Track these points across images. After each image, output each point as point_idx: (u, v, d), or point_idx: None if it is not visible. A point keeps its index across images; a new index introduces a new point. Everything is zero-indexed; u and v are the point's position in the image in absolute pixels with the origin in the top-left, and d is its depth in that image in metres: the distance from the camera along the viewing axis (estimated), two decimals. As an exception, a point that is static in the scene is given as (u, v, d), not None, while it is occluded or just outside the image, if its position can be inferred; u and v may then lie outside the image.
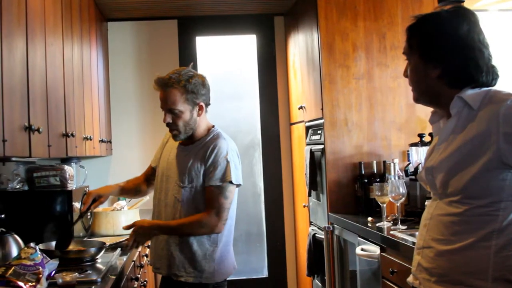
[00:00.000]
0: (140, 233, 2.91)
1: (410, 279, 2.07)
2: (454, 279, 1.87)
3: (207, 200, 2.90)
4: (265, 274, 5.76)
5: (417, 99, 2.07)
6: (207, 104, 3.04)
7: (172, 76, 2.92)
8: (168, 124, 2.97)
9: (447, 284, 1.88)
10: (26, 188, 3.69)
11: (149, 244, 3.17)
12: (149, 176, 3.27)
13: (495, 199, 1.83)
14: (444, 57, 1.93)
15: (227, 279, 3.05)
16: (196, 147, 3.00)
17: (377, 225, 3.56)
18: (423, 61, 1.98)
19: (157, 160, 3.20)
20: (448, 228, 1.90)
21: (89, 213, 3.78)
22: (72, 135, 3.41)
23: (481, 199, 1.84)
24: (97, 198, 3.05)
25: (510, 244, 1.81)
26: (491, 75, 1.93)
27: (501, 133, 1.78)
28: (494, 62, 1.96)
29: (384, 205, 3.56)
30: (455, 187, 1.88)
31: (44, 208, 3.47)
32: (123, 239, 3.42)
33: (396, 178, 3.72)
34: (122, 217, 4.13)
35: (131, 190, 3.29)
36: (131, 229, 2.94)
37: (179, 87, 2.90)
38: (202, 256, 2.93)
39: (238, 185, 2.97)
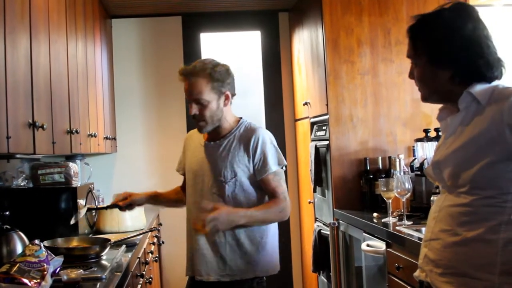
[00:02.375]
0: (224, 219, 2.68)
1: (416, 273, 2.07)
2: (460, 271, 1.86)
3: (270, 188, 2.84)
4: (270, 270, 5.74)
5: (426, 99, 2.07)
6: (233, 95, 2.97)
7: (197, 66, 2.86)
8: (194, 116, 2.86)
9: (453, 276, 1.88)
10: (30, 185, 3.69)
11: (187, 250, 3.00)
12: (184, 185, 3.16)
13: (503, 191, 1.83)
14: (454, 59, 1.93)
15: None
16: (230, 140, 2.90)
17: (382, 220, 3.55)
18: (432, 65, 1.97)
19: (183, 166, 3.11)
20: (456, 219, 1.90)
21: (93, 211, 3.78)
22: (76, 132, 3.40)
23: (489, 190, 1.84)
24: (127, 197, 3.12)
25: None
26: (499, 69, 1.94)
27: (506, 125, 1.79)
28: (500, 54, 1.96)
29: (390, 201, 3.55)
30: (463, 179, 1.88)
31: (48, 205, 3.47)
32: (129, 236, 3.42)
33: (402, 173, 3.70)
34: (127, 214, 4.10)
35: (172, 198, 3.23)
36: (209, 213, 2.69)
37: (205, 75, 2.83)
38: (255, 249, 2.84)
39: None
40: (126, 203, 3.12)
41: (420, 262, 2.05)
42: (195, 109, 2.84)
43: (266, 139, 2.88)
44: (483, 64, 1.91)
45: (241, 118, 3.03)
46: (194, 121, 2.90)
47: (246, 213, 2.77)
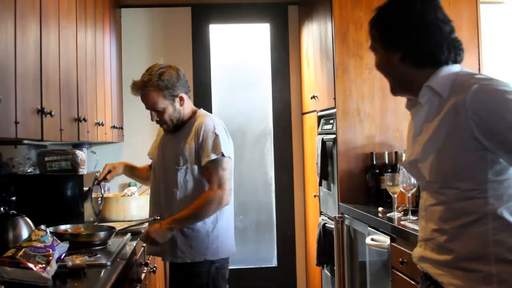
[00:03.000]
0: (157, 232, 3.00)
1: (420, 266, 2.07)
2: (457, 266, 1.86)
3: (207, 177, 3.01)
4: (274, 263, 5.75)
5: (392, 90, 2.08)
6: (187, 92, 3.16)
7: (144, 79, 3.05)
8: (157, 121, 3.13)
9: (451, 271, 1.88)
10: (37, 172, 3.70)
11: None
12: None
13: (480, 181, 1.82)
14: (401, 39, 1.94)
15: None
16: (184, 130, 3.12)
17: (387, 215, 3.55)
18: (385, 49, 1.99)
19: (153, 152, 3.33)
20: (441, 218, 1.90)
21: (99, 198, 3.79)
22: (84, 119, 3.41)
23: (466, 182, 1.83)
24: (111, 169, 3.31)
25: (509, 225, 1.81)
26: (454, 50, 1.93)
27: (471, 119, 1.78)
28: (456, 35, 1.95)
29: (395, 196, 3.55)
30: (440, 174, 1.88)
31: (55, 191, 3.48)
32: (133, 224, 3.43)
33: (408, 169, 3.69)
34: (132, 203, 4.14)
35: (144, 175, 3.44)
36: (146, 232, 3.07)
37: (153, 87, 3.02)
38: (205, 233, 3.02)
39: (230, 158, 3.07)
40: (112, 175, 3.34)
41: (415, 260, 2.05)
42: (155, 117, 3.11)
43: (209, 126, 3.04)
44: (432, 44, 1.91)
45: (198, 109, 3.23)
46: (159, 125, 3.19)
47: (175, 220, 3.00)
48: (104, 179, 3.32)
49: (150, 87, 3.02)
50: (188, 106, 3.16)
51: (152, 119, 3.13)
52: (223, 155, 2.99)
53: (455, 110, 1.82)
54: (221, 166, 2.99)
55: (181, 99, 3.09)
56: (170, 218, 3.01)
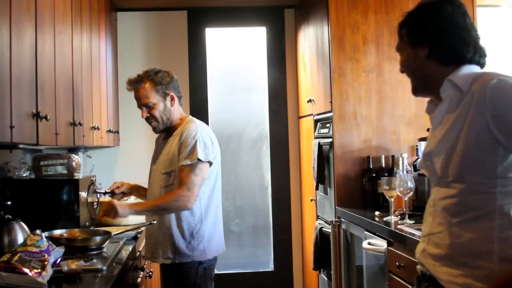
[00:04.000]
0: (120, 206, 3.10)
1: (418, 266, 2.07)
2: (460, 262, 1.87)
3: (180, 178, 3.09)
4: (271, 267, 5.74)
5: (415, 89, 2.12)
6: (179, 97, 3.31)
7: (140, 74, 3.24)
8: (147, 119, 3.25)
9: (453, 266, 1.88)
10: (33, 176, 3.69)
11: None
12: None
13: (489, 176, 1.84)
14: (431, 35, 2.01)
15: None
16: (173, 136, 3.23)
17: (384, 219, 3.54)
18: (413, 46, 2.05)
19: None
20: (450, 211, 1.92)
21: (95, 203, 3.77)
22: (79, 124, 3.40)
23: (477, 176, 1.85)
24: (119, 185, 3.38)
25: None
26: (479, 53, 2.00)
27: (489, 114, 1.80)
28: (482, 43, 2.03)
29: (392, 200, 3.54)
30: (452, 167, 1.90)
31: (50, 196, 3.47)
32: (129, 229, 3.42)
33: (405, 172, 3.70)
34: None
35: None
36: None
37: (148, 81, 3.20)
38: (190, 234, 3.11)
39: (210, 163, 3.15)
40: (120, 191, 3.37)
41: (417, 256, 2.06)
42: (145, 113, 3.23)
43: (190, 132, 3.15)
44: (460, 42, 1.98)
45: (187, 116, 3.34)
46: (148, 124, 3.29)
47: (139, 204, 3.26)
48: (112, 192, 3.37)
49: (146, 79, 3.20)
50: (178, 111, 3.29)
51: (142, 116, 3.24)
52: (199, 160, 3.07)
53: (473, 101, 1.85)
54: (193, 171, 3.07)
55: (172, 98, 3.24)
56: (137, 202, 3.31)
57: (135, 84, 3.23)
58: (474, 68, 1.98)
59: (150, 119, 3.24)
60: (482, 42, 2.03)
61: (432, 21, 2.01)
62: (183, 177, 3.07)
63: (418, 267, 2.07)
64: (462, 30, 1.98)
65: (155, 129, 3.30)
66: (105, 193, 3.40)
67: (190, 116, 3.34)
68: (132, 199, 3.83)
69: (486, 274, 1.81)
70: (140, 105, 3.23)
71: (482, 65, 2.01)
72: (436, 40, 2.00)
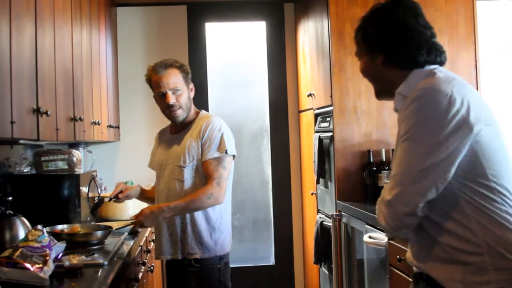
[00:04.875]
0: (147, 215, 2.97)
1: (415, 268, 2.06)
2: (450, 260, 1.86)
3: (207, 173, 3.01)
4: (272, 261, 5.75)
5: (377, 94, 2.15)
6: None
7: (167, 61, 3.13)
8: (172, 106, 3.07)
9: (445, 264, 1.87)
10: (34, 172, 3.69)
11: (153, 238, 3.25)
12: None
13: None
14: (384, 41, 2.01)
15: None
16: (189, 129, 3.13)
17: (385, 213, 3.54)
18: (369, 52, 2.06)
19: (154, 161, 3.32)
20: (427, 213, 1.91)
21: (96, 198, 3.79)
22: (80, 119, 3.40)
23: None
24: (123, 189, 3.25)
25: (494, 221, 1.82)
26: (434, 52, 1.99)
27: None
28: (436, 40, 2.02)
29: (393, 193, 3.53)
30: None
31: (51, 191, 3.48)
32: (130, 223, 3.42)
33: (405, 166, 3.68)
34: (129, 202, 4.09)
35: (151, 197, 3.34)
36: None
37: (177, 67, 3.12)
38: (212, 228, 3.04)
39: (233, 156, 3.09)
40: (124, 194, 3.27)
41: (409, 261, 2.04)
42: (173, 98, 3.07)
43: (215, 125, 3.08)
44: (413, 46, 1.97)
45: (201, 110, 3.26)
46: (169, 112, 3.11)
47: (169, 206, 2.98)
48: (116, 197, 3.26)
49: (174, 66, 3.11)
50: (192, 105, 3.20)
51: (169, 101, 3.05)
52: (226, 152, 3.01)
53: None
54: (222, 165, 3.01)
55: (192, 89, 3.18)
56: (164, 204, 3.00)
57: (163, 68, 3.09)
58: (425, 71, 1.97)
59: (175, 106, 3.07)
60: (438, 39, 2.02)
61: (383, 29, 2.01)
62: (212, 171, 2.99)
63: (414, 268, 2.06)
64: (414, 34, 1.97)
65: (178, 118, 3.12)
66: (109, 199, 3.32)
67: (204, 111, 3.26)
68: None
69: (478, 267, 1.81)
70: (167, 89, 3.05)
71: (440, 63, 2.00)
72: (389, 48, 2.00)
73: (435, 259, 1.90)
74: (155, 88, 3.10)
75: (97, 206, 3.43)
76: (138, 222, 2.98)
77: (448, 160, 1.79)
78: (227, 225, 3.12)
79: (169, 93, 3.06)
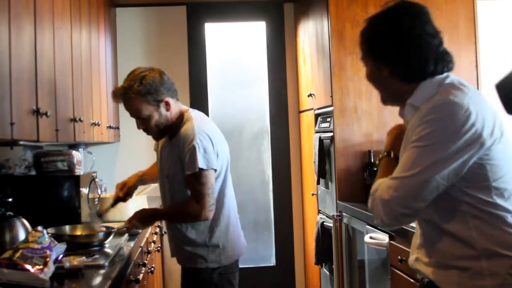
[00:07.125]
0: (138, 218, 3.00)
1: (418, 275, 2.07)
2: (449, 265, 1.88)
3: (188, 188, 2.90)
4: (272, 262, 5.75)
5: (383, 100, 2.11)
6: (173, 96, 2.94)
7: (125, 86, 2.85)
8: (143, 130, 2.97)
9: (443, 270, 1.89)
10: (33, 173, 3.68)
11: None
12: None
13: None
14: (388, 56, 1.96)
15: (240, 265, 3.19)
16: (176, 138, 2.95)
17: (386, 213, 3.53)
18: (375, 63, 2.01)
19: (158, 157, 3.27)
20: (425, 219, 1.94)
21: (96, 199, 3.78)
22: (80, 120, 3.39)
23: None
24: (123, 187, 3.28)
25: (490, 223, 1.84)
26: (441, 62, 1.94)
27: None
28: (445, 47, 1.97)
29: (394, 193, 3.53)
30: None
31: (51, 192, 3.46)
32: (122, 226, 3.41)
33: (406, 166, 3.68)
34: (129, 203, 4.08)
35: (155, 175, 3.29)
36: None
37: (134, 94, 2.82)
38: (202, 242, 2.96)
39: (214, 169, 2.88)
40: (125, 192, 3.27)
41: (411, 264, 2.05)
42: (140, 125, 2.94)
43: (190, 136, 2.85)
44: (420, 60, 1.93)
45: (186, 111, 3.01)
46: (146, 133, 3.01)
47: (157, 213, 3.20)
48: (119, 199, 3.26)
49: (132, 93, 2.81)
50: (175, 110, 2.94)
51: (138, 128, 2.95)
52: (201, 169, 2.81)
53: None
54: (198, 181, 2.82)
55: (167, 103, 2.88)
56: (156, 209, 3.12)
57: (121, 98, 2.87)
58: (435, 80, 1.93)
59: (146, 131, 2.96)
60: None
61: (389, 43, 1.95)
62: (191, 188, 2.86)
63: (418, 275, 2.07)
64: (421, 45, 1.92)
65: (155, 138, 3.06)
66: (113, 205, 3.33)
67: (190, 111, 3.01)
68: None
69: (474, 272, 1.83)
70: (133, 117, 2.93)
71: (448, 71, 1.97)
72: (394, 61, 1.96)
73: (435, 264, 1.91)
74: None
75: (112, 206, 3.41)
76: (131, 225, 3.02)
77: (454, 173, 1.80)
78: (223, 239, 2.99)
79: (137, 120, 2.93)
